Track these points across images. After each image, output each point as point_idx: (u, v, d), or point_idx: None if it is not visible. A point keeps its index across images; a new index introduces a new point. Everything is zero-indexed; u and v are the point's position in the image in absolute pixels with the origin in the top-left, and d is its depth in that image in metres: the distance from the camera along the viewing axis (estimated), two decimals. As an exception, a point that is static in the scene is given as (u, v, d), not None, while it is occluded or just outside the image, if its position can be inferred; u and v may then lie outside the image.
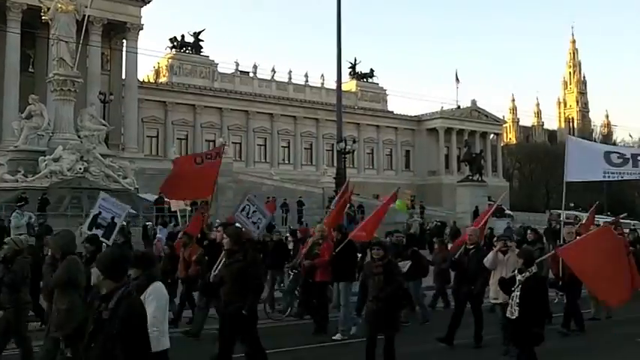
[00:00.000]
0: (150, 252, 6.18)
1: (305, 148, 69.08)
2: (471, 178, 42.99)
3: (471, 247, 10.67)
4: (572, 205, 66.67)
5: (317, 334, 11.29)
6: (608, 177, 11.68)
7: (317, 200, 45.20)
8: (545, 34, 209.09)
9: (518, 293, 7.68)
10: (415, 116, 77.25)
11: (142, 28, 51.51)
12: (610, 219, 47.48)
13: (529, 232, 13.88)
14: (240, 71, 67.66)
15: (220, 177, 44.01)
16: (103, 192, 13.29)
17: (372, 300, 8.39)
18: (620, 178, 11.88)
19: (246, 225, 11.46)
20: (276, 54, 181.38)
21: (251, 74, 68.54)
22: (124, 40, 52.16)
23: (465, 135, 72.98)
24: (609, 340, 11.74)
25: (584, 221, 16.11)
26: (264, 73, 68.93)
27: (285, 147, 67.77)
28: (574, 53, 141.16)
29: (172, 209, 25.65)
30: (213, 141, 58.00)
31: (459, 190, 42.80)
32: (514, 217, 45.00)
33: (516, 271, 7.95)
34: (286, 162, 67.18)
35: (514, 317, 7.71)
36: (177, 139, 59.61)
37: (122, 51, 52.44)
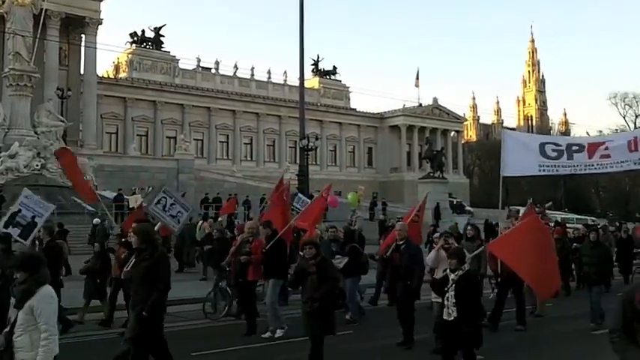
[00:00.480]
0: (37, 253, 5.81)
1: (268, 145, 68.87)
2: (432, 174, 43.37)
3: (401, 242, 10.36)
4: (530, 201, 67.86)
5: (248, 335, 10.91)
6: (544, 171, 11.34)
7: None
8: (505, 34, 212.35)
9: (453, 292, 7.42)
10: (378, 114, 77.68)
11: (101, 23, 50.65)
12: (572, 215, 48.59)
13: (468, 228, 13.44)
14: (202, 67, 67.14)
15: (181, 174, 44.05)
16: (27, 189, 12.65)
17: (306, 301, 7.97)
18: (555, 172, 11.44)
19: (163, 219, 10.66)
20: (239, 50, 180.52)
21: (213, 70, 68.03)
22: (83, 35, 51.24)
23: (427, 132, 73.72)
24: (563, 334, 11.92)
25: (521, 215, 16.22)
26: (226, 70, 68.59)
27: (247, 144, 67.47)
28: (533, 52, 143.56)
29: (131, 206, 25.38)
30: (174, 137, 57.52)
31: (420, 187, 43.04)
32: (474, 213, 45.65)
33: (448, 270, 7.68)
34: (249, 159, 66.92)
35: (452, 318, 7.43)
36: (138, 135, 58.85)
37: (81, 46, 51.47)
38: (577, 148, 11.04)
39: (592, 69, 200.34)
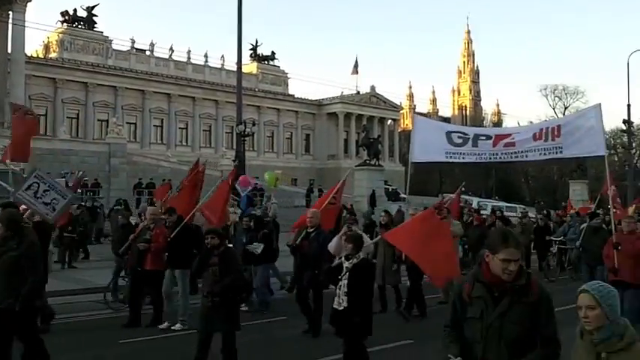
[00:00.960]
0: None
1: (204, 130, 67.92)
2: (368, 162, 43.60)
3: (312, 230, 10.00)
4: (463, 189, 69.34)
5: (152, 326, 10.45)
6: (450, 158, 11.00)
7: (216, 183, 44.57)
8: (442, 24, 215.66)
9: (346, 281, 6.99)
10: (316, 100, 77.66)
11: (30, 0, 48.66)
12: (502, 203, 49.79)
13: (382, 214, 13.16)
14: (136, 49, 65.49)
15: (113, 158, 42.98)
16: None
17: (205, 295, 7.37)
18: (461, 160, 11.12)
19: (34, 206, 9.38)
20: (175, 33, 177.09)
21: (148, 52, 66.49)
22: (10, 12, 49.05)
23: (364, 120, 74.14)
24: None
25: (447, 204, 16.38)
26: (161, 52, 67.19)
27: (182, 128, 66.34)
28: (468, 43, 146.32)
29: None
30: (106, 120, 55.98)
31: (356, 174, 43.24)
32: (409, 201, 46.23)
33: (343, 258, 7.22)
34: (184, 144, 65.84)
35: (342, 308, 7.03)
36: (68, 117, 57.03)
37: (8, 23, 49.27)
38: (484, 137, 10.84)
39: (525, 61, 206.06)
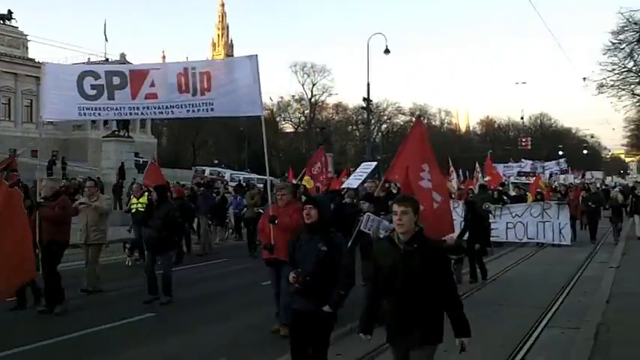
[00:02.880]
0: None
1: None
2: (117, 133, 41.84)
3: None
4: (216, 161, 70.03)
5: None
6: (84, 114, 9.61)
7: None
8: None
9: None
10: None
11: None
12: (254, 175, 51.05)
13: (87, 181, 12.63)
14: None
15: None
16: None
17: None
18: (97, 116, 9.68)
19: None
20: None
21: None
22: None
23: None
24: (237, 287, 12.43)
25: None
26: None
27: None
28: (223, 16, 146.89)
29: None
30: None
31: (104, 146, 41.29)
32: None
33: None
34: None
35: None
36: None
37: None
38: (118, 82, 9.36)
39: (277, 38, 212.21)
